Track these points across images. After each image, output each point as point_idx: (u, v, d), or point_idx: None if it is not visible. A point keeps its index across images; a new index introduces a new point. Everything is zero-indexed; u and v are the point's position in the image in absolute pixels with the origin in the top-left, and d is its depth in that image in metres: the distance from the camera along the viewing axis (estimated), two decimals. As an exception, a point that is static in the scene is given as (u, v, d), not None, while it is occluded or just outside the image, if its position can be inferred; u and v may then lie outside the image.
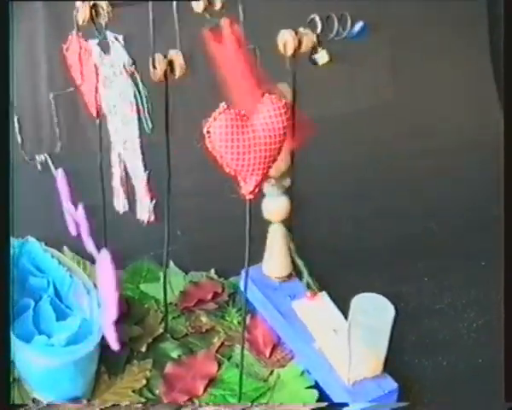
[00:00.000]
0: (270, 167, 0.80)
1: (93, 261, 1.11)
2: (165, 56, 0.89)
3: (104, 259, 0.83)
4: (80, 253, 1.14)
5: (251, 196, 0.81)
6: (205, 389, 0.96)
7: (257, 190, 0.81)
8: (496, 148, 1.10)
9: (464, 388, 0.99)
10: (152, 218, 0.91)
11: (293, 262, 1.04)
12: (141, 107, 0.83)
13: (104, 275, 0.84)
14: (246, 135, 0.78)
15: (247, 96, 0.89)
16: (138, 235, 1.19)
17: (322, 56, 0.97)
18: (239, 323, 1.06)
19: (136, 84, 0.83)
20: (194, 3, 0.88)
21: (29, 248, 1.04)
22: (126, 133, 0.88)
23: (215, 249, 1.18)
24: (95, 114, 0.96)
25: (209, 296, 1.10)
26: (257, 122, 0.78)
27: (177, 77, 0.90)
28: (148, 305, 1.09)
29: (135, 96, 0.83)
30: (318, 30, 0.93)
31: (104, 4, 0.83)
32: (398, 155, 1.38)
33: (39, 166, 0.93)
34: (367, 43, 0.97)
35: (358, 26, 0.98)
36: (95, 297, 0.95)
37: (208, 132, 0.78)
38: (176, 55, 0.89)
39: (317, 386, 0.97)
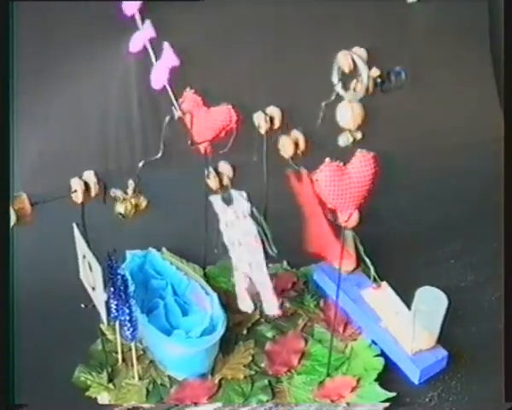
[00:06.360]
0: (361, 203, 1.08)
1: (188, 259, 1.40)
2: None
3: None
4: (177, 253, 1.42)
5: (346, 224, 1.09)
6: (298, 362, 1.25)
7: (351, 219, 1.09)
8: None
9: (489, 348, 1.28)
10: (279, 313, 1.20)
11: (360, 259, 1.33)
12: (264, 238, 1.10)
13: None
14: (343, 181, 1.04)
15: (321, 219, 1.16)
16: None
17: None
18: (315, 306, 1.34)
19: (260, 224, 1.10)
20: (282, 150, 1.15)
21: (151, 258, 1.31)
22: (252, 258, 1.14)
23: (285, 243, 1.44)
24: (203, 152, 1.22)
25: (289, 286, 1.37)
26: (351, 171, 1.05)
27: (276, 127, 1.17)
28: (241, 295, 1.36)
29: (258, 232, 1.10)
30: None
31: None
32: (420, 155, 1.68)
33: None
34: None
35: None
36: (214, 297, 1.23)
37: (316, 180, 1.05)
38: (275, 111, 1.16)
39: (382, 354, 1.26)
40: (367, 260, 1.30)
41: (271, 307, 1.18)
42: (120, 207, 1.09)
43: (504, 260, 1.17)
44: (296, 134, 1.15)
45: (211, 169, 1.18)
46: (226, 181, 1.18)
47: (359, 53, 1.05)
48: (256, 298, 1.20)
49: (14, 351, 1.10)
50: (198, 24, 1.54)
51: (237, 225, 1.12)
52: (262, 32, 1.60)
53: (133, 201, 1.10)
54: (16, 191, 1.01)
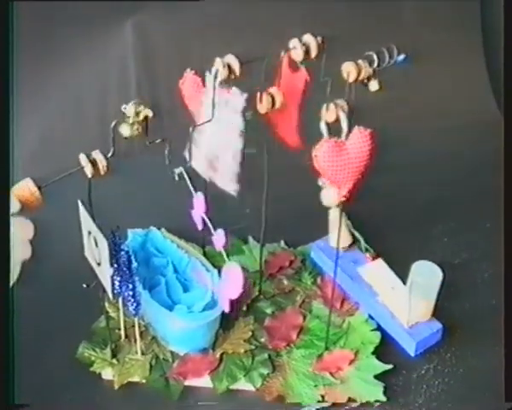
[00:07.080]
0: (359, 179, 1.10)
1: (187, 240, 1.42)
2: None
3: (235, 267, 1.10)
4: (176, 233, 1.43)
5: (344, 199, 1.12)
6: (297, 336, 1.28)
7: (348, 194, 1.12)
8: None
9: (482, 322, 1.32)
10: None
11: (351, 235, 1.37)
12: None
13: (232, 278, 1.10)
14: (341, 157, 1.07)
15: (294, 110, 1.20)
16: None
17: (373, 85, 1.26)
18: (312, 283, 1.38)
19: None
20: (293, 53, 1.16)
21: (152, 236, 1.34)
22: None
23: (281, 224, 1.47)
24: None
25: (287, 263, 1.40)
26: (349, 147, 1.07)
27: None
28: (240, 273, 1.39)
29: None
30: (375, 64, 1.23)
31: (237, 66, 1.11)
32: (418, 134, 1.73)
33: (176, 178, 1.20)
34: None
35: (402, 56, 1.27)
36: (214, 273, 1.25)
37: (316, 155, 1.08)
38: (276, 92, 1.19)
39: (379, 329, 1.29)
40: (355, 233, 1.33)
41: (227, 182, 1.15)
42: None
43: (504, 243, 1.20)
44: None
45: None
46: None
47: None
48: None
49: (14, 334, 1.07)
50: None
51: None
52: (260, 18, 1.64)
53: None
54: (17, 178, 1.03)
